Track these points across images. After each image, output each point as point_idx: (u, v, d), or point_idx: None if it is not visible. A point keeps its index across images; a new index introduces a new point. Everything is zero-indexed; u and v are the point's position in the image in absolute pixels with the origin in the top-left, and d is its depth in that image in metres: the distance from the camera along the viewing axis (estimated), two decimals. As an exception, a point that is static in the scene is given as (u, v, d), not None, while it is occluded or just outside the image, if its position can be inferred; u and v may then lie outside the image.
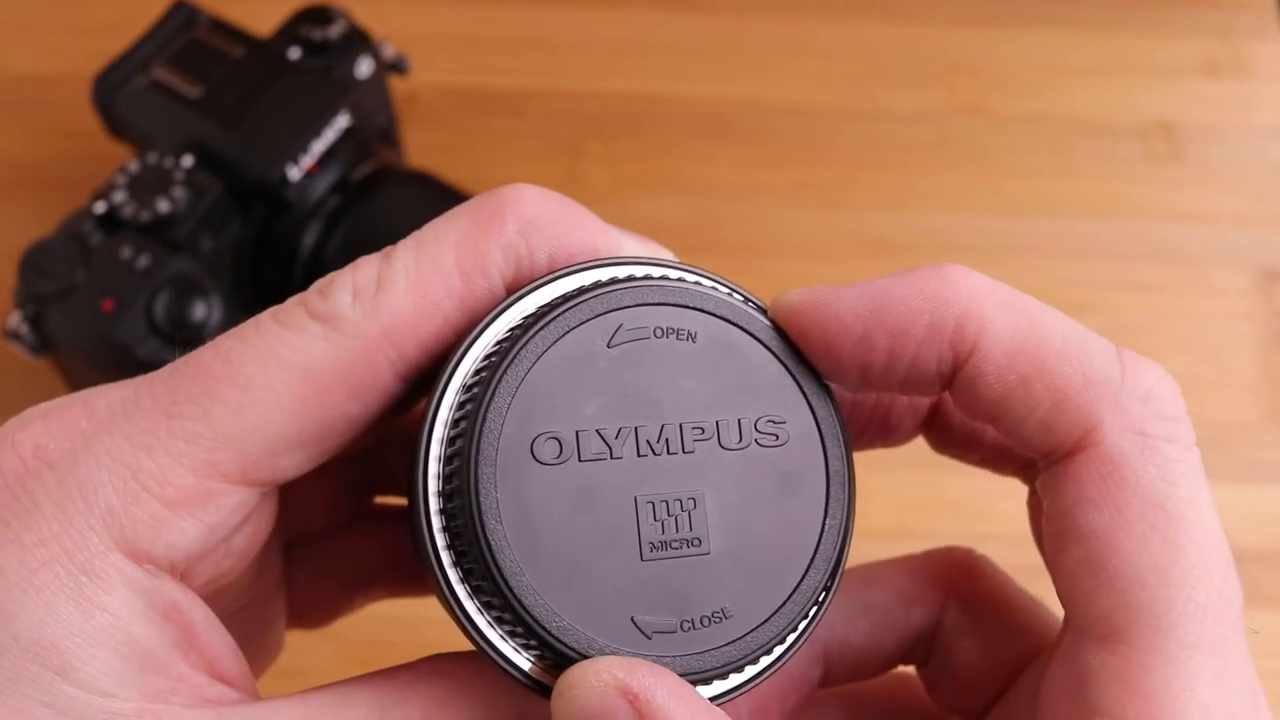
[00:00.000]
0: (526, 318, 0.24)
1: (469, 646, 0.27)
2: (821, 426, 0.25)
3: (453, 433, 0.24)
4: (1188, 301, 0.72)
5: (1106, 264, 0.73)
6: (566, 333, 0.24)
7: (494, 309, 0.25)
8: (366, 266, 0.25)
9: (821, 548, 0.25)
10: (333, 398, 0.24)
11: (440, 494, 0.24)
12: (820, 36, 0.80)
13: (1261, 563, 0.64)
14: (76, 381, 0.57)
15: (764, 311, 0.26)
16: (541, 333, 0.24)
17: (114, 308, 0.53)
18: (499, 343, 0.24)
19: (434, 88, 0.75)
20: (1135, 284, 0.73)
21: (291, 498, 0.30)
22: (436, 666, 0.25)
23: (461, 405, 0.24)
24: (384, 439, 0.32)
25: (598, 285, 0.25)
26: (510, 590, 0.23)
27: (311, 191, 0.59)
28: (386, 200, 0.59)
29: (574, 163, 0.74)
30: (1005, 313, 0.25)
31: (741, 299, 0.26)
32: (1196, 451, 0.25)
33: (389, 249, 0.25)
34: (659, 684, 0.23)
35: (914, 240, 0.73)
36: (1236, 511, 0.65)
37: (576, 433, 0.24)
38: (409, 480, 0.24)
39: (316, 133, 0.57)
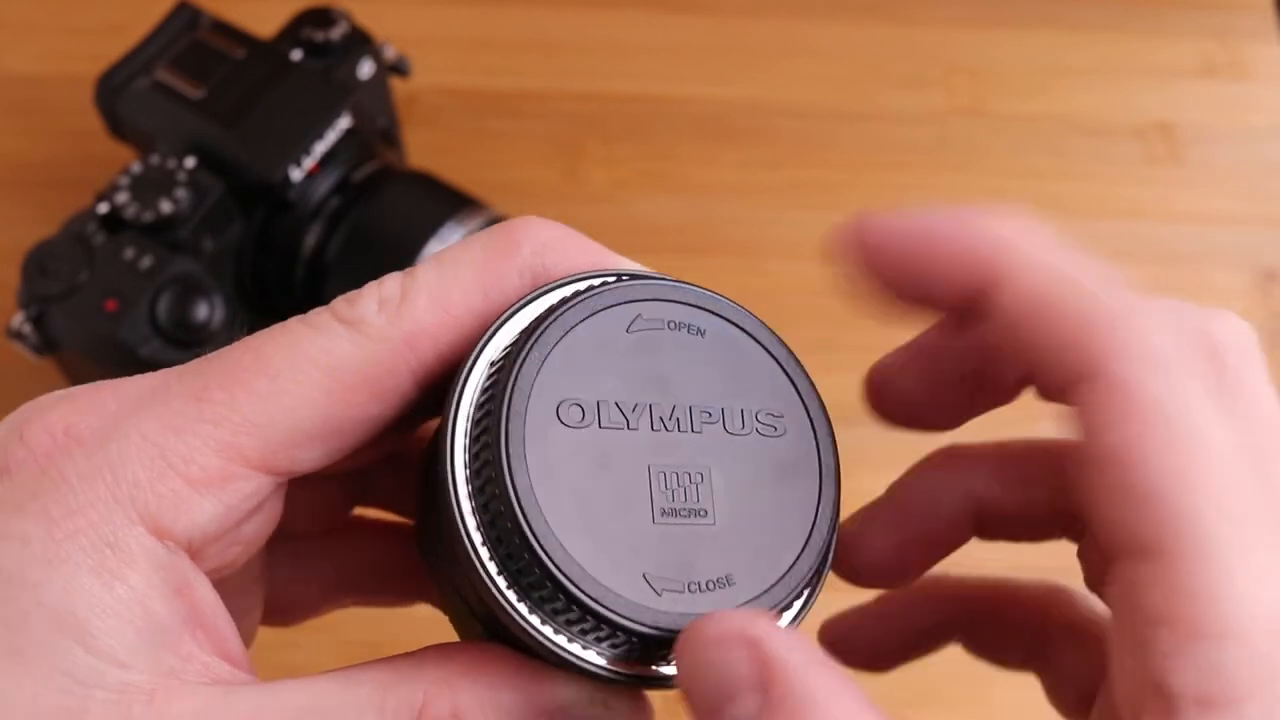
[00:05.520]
0: (553, 304, 0.27)
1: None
2: (815, 425, 0.27)
3: (483, 398, 0.26)
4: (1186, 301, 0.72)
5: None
6: (591, 315, 0.26)
7: (524, 297, 0.27)
8: (391, 281, 0.27)
9: (815, 532, 0.27)
10: (355, 397, 0.26)
11: (468, 450, 0.25)
12: (820, 36, 0.80)
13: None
14: (80, 382, 0.57)
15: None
16: (569, 312, 0.26)
17: (117, 308, 0.53)
18: (529, 324, 0.26)
19: (435, 89, 0.75)
20: (1134, 284, 0.73)
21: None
22: (441, 651, 0.26)
23: (492, 375, 0.26)
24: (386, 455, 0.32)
25: (619, 279, 0.27)
26: (531, 532, 0.24)
27: (313, 192, 0.59)
28: (388, 201, 0.59)
29: (574, 163, 0.74)
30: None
31: (741, 307, 0.28)
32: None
33: (411, 268, 0.27)
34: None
35: (913, 240, 0.73)
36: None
37: (598, 402, 0.26)
38: (435, 444, 0.26)
39: (318, 134, 0.58)
